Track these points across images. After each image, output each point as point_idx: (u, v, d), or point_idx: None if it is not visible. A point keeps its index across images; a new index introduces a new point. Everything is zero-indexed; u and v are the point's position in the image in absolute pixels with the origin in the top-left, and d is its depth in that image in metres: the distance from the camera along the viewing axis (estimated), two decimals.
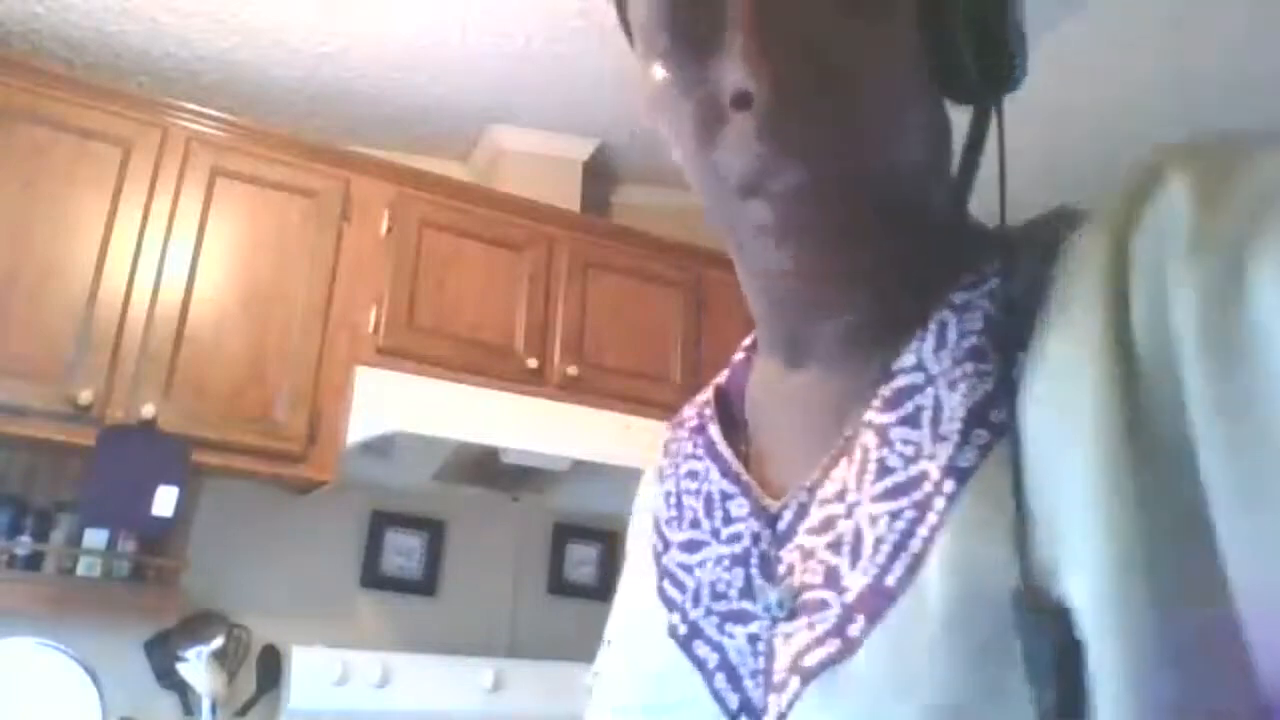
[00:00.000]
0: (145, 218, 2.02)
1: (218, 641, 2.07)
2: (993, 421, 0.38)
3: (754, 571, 0.44)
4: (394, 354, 2.18)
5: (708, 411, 0.53)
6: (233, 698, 2.12)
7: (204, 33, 2.27)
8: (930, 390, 0.40)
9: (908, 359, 0.42)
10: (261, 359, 2.06)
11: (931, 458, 0.38)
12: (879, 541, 0.38)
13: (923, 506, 0.38)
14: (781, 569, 0.43)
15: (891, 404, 0.41)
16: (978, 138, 0.47)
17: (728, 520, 0.47)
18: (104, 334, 1.92)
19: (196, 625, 2.09)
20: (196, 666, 2.02)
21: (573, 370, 2.35)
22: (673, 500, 0.51)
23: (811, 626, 0.40)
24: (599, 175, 2.92)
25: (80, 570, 1.97)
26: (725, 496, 0.48)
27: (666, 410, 2.58)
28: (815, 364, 0.47)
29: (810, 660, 0.39)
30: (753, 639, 0.42)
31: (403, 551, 2.45)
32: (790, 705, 0.39)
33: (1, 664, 1.87)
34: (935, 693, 0.34)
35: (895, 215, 0.42)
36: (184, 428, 1.94)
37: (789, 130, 0.39)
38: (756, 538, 0.45)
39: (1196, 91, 2.35)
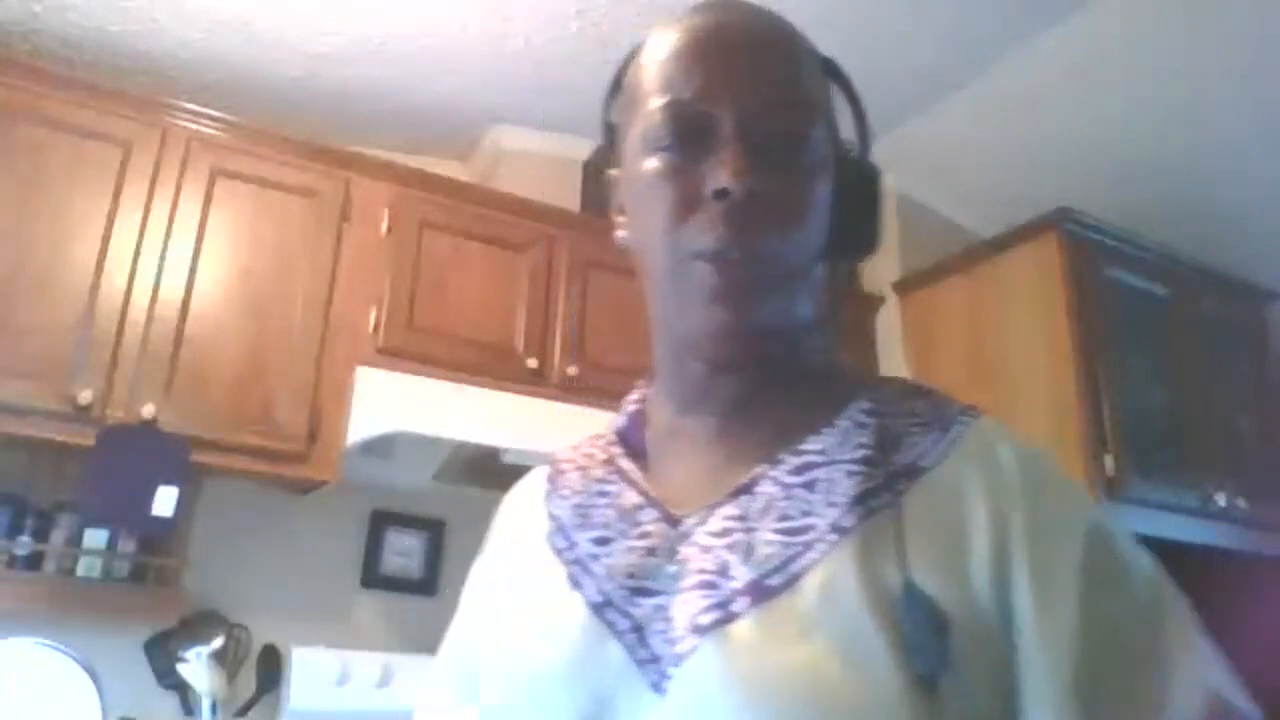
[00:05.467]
0: (145, 218, 2.02)
1: (218, 641, 2.07)
2: (873, 506, 0.56)
3: (660, 559, 0.59)
4: (394, 354, 2.18)
5: (615, 449, 0.69)
6: (233, 698, 2.12)
7: (204, 33, 2.27)
8: (828, 470, 0.58)
9: (815, 444, 0.60)
10: (261, 359, 2.06)
11: (820, 516, 0.56)
12: (769, 556, 0.55)
13: (807, 545, 0.55)
14: (679, 557, 0.58)
15: (797, 471, 0.59)
16: (844, 287, 0.71)
17: (637, 524, 0.62)
18: (104, 334, 1.92)
19: (196, 625, 2.09)
20: (196, 666, 2.02)
21: (573, 370, 2.35)
22: (580, 511, 0.66)
23: (703, 598, 0.55)
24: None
25: (80, 570, 1.97)
26: (637, 508, 0.63)
27: None
28: (710, 415, 0.64)
29: (703, 620, 0.54)
30: (658, 608, 0.57)
31: (403, 551, 2.45)
32: (690, 651, 0.54)
33: (1, 664, 1.87)
34: (806, 656, 0.51)
35: (794, 311, 0.61)
36: (184, 428, 1.94)
37: (745, 224, 0.57)
38: (664, 536, 0.60)
39: (1199, 87, 2.35)
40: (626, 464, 0.67)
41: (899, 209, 2.97)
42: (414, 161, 2.49)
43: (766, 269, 0.58)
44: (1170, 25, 2.20)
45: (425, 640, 2.36)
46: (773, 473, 0.60)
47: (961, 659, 0.51)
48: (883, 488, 0.57)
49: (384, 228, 2.27)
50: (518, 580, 0.67)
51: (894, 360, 2.81)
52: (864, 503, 0.56)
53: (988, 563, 0.54)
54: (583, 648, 0.58)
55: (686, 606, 0.55)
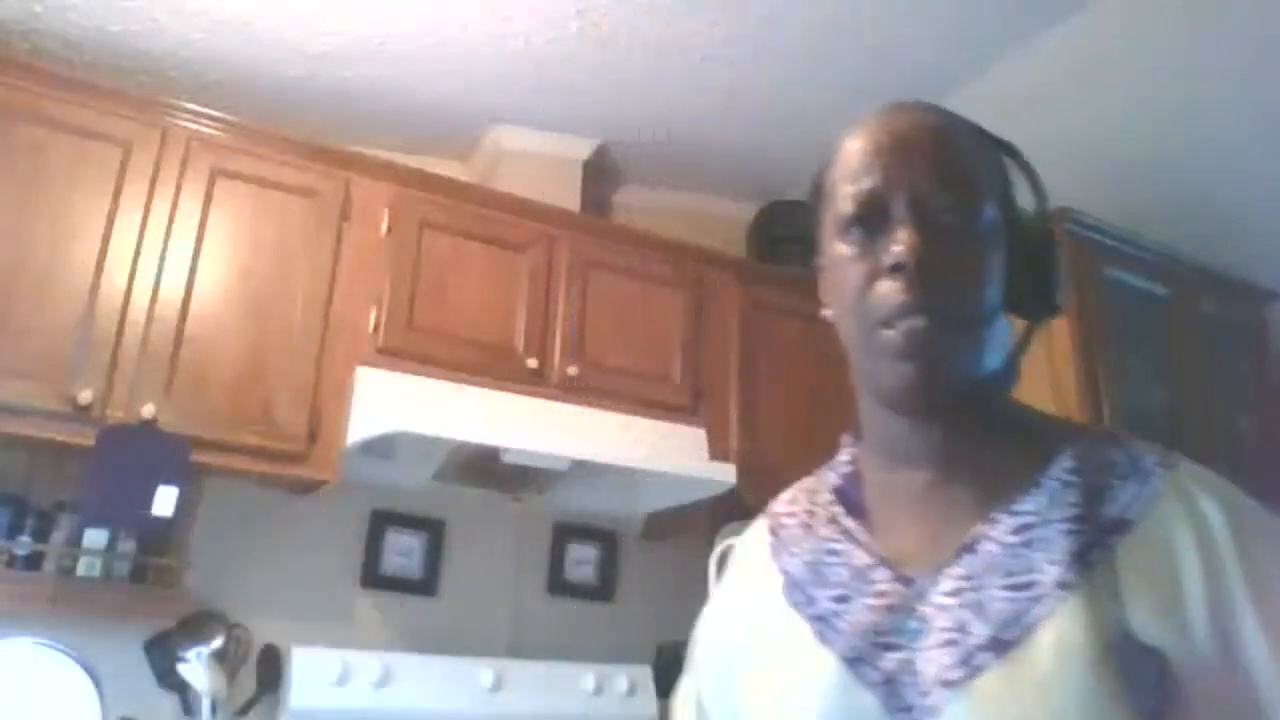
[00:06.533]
0: (145, 218, 2.02)
1: (218, 641, 2.07)
2: (1089, 561, 0.62)
3: (900, 616, 0.66)
4: (394, 354, 2.18)
5: (836, 509, 0.76)
6: (233, 698, 2.12)
7: (204, 33, 2.27)
8: (1044, 530, 0.64)
9: (1028, 504, 0.66)
10: (261, 359, 2.06)
11: (1043, 573, 0.62)
12: (1001, 613, 0.62)
13: (1035, 601, 0.61)
14: (918, 614, 0.65)
15: (1016, 531, 0.65)
16: (1025, 344, 0.75)
17: (871, 583, 0.69)
18: (104, 334, 1.91)
19: (196, 625, 2.09)
20: (196, 666, 2.02)
21: (573, 370, 2.35)
22: (813, 569, 0.73)
23: (948, 655, 0.62)
24: (599, 175, 2.92)
25: (80, 570, 1.96)
26: (869, 567, 0.70)
27: (666, 410, 2.57)
28: (920, 471, 0.70)
29: (952, 676, 0.61)
30: (905, 661, 0.63)
31: (403, 551, 2.45)
32: (944, 704, 0.60)
33: (1, 664, 1.87)
34: (1048, 704, 0.58)
35: (980, 365, 0.68)
36: (184, 428, 1.94)
37: (921, 292, 0.65)
38: (900, 595, 0.67)
39: (1199, 87, 2.35)
40: (850, 523, 0.74)
41: None
42: (414, 161, 2.49)
43: (945, 328, 0.66)
44: (1170, 25, 2.20)
45: (425, 640, 2.37)
46: (992, 532, 0.66)
47: (1189, 706, 0.57)
48: (1095, 543, 0.62)
49: (384, 228, 2.27)
50: (759, 633, 0.75)
51: None
52: (1081, 559, 0.62)
53: (1206, 610, 0.59)
54: (839, 697, 0.65)
55: (933, 662, 0.62)
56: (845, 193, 0.71)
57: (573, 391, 2.34)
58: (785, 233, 3.00)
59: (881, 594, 0.67)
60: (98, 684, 1.91)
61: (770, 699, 0.70)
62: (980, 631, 0.61)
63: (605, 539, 2.71)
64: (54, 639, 1.91)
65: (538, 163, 2.74)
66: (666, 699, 2.51)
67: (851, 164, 0.72)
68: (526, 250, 2.42)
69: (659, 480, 2.38)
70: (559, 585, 2.63)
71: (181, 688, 2.06)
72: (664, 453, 2.35)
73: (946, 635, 0.63)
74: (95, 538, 1.98)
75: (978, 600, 0.63)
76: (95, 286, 1.93)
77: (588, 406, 2.34)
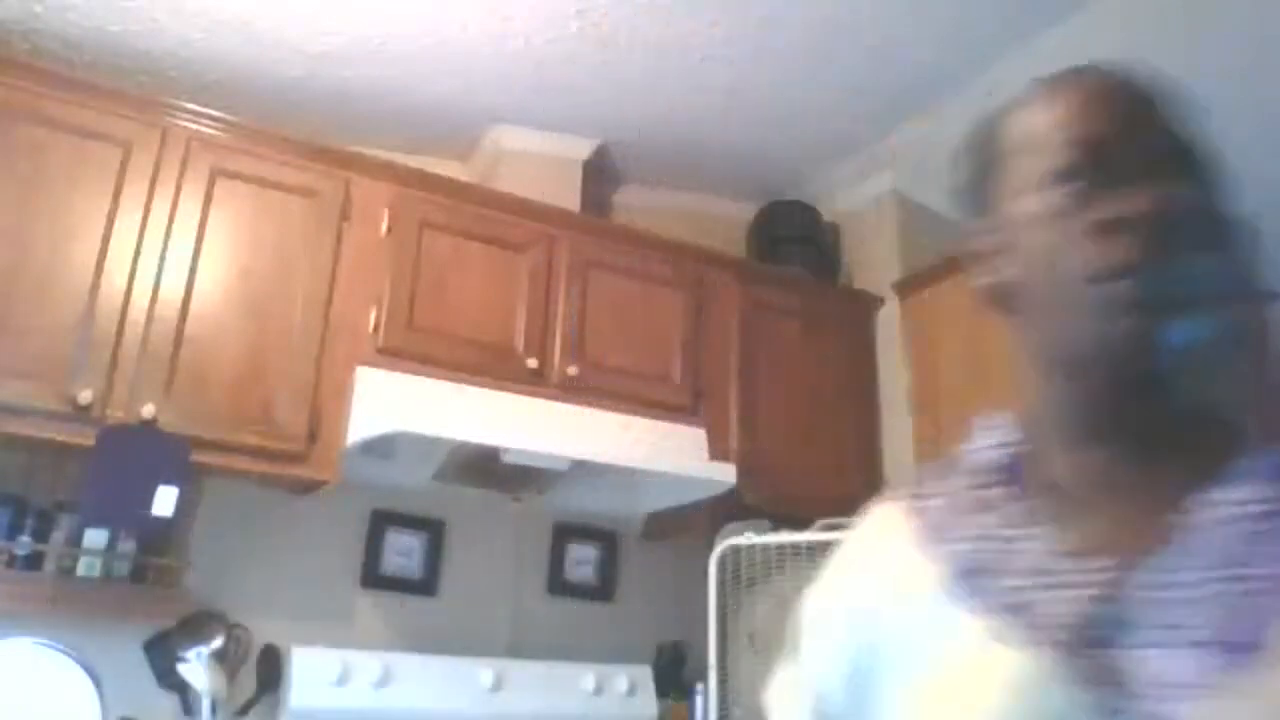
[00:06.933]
0: (145, 218, 2.02)
1: (218, 641, 2.07)
2: None
3: (1099, 609, 0.58)
4: (394, 354, 2.18)
5: (1001, 493, 0.68)
6: (233, 698, 2.12)
7: (204, 33, 2.27)
8: (1264, 521, 0.57)
9: (1233, 493, 0.59)
10: (261, 359, 2.06)
11: (1267, 567, 0.55)
12: (1224, 608, 0.55)
13: (1261, 595, 0.54)
14: (1123, 607, 0.58)
15: (1228, 521, 0.58)
16: (1249, 337, 0.70)
17: (1060, 573, 0.61)
18: (104, 334, 1.92)
19: (196, 625, 2.09)
20: (196, 666, 2.02)
21: (573, 370, 2.35)
22: (989, 559, 0.65)
23: (1171, 655, 0.55)
24: (599, 175, 2.92)
25: (80, 570, 1.97)
26: (1056, 556, 0.62)
27: (666, 410, 2.56)
28: (1108, 447, 0.64)
29: (1183, 678, 0.54)
30: (1109, 659, 0.56)
31: (403, 551, 2.45)
32: (1173, 707, 0.53)
33: (1, 664, 1.87)
34: None
35: (1201, 340, 0.61)
36: (184, 428, 1.94)
37: (1151, 252, 0.60)
38: (1101, 585, 0.59)
39: (1199, 87, 2.35)
40: (1028, 508, 0.67)
41: (899, 209, 2.97)
42: (414, 161, 2.49)
43: (1160, 294, 0.60)
44: (1170, 25, 2.20)
45: (425, 640, 2.37)
46: (1200, 520, 0.59)
47: None
48: None
49: (384, 228, 2.27)
50: (913, 628, 0.67)
51: (894, 360, 2.81)
52: None
53: None
54: (1025, 697, 0.59)
55: (1152, 662, 0.56)
56: (1060, 140, 0.65)
57: (573, 391, 2.34)
58: (785, 233, 2.99)
59: (1075, 584, 0.60)
60: (98, 684, 1.91)
61: (935, 701, 0.63)
62: (1211, 630, 0.55)
63: (605, 539, 2.71)
64: (54, 639, 1.91)
65: (538, 163, 2.74)
66: (666, 699, 2.53)
67: (1064, 111, 0.67)
68: (526, 250, 2.42)
69: (659, 480, 2.38)
70: (559, 585, 2.63)
71: (181, 688, 2.06)
72: (664, 453, 2.35)
73: (1163, 633, 0.56)
74: (95, 538, 1.98)
75: (1196, 595, 0.56)
76: (95, 286, 1.93)
77: (588, 406, 2.34)
